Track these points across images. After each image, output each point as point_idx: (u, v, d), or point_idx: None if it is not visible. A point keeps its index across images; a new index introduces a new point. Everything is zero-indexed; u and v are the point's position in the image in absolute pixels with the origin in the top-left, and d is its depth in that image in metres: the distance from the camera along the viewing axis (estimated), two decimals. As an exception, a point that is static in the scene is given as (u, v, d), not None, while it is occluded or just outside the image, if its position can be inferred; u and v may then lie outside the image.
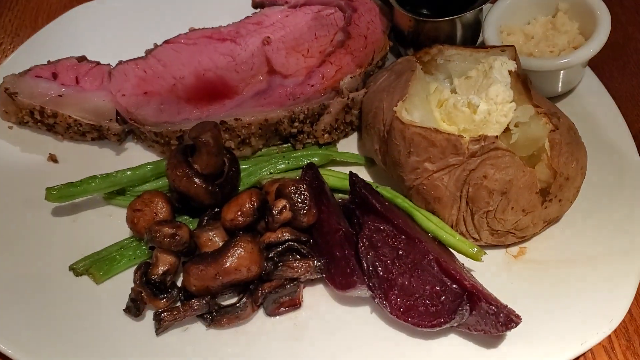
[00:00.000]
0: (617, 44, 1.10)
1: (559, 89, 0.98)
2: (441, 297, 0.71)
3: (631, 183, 0.86)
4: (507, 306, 0.69)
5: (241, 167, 0.87)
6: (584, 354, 0.76)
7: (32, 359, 0.71)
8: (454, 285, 0.71)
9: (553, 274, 0.79)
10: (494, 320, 0.68)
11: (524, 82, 0.84)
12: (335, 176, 0.86)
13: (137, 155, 0.93)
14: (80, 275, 0.79)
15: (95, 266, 0.78)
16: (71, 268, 0.79)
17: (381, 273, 0.73)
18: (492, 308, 0.68)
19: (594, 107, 0.97)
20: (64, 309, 0.76)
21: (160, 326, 0.73)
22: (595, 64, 1.02)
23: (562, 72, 0.93)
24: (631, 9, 1.15)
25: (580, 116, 0.93)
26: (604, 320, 0.73)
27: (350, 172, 0.82)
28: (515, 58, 0.86)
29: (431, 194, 0.79)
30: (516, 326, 0.68)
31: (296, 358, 0.73)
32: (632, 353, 0.76)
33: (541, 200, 0.78)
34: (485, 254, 0.77)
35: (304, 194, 0.78)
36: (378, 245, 0.75)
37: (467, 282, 0.70)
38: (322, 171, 0.86)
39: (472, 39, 1.01)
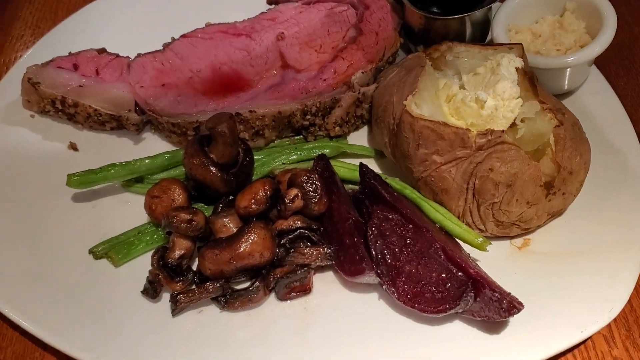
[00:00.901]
0: (623, 43, 1.12)
1: (566, 87, 1.00)
2: (447, 284, 0.73)
3: (633, 180, 0.89)
4: (510, 293, 0.72)
5: (255, 157, 0.90)
6: (584, 342, 0.78)
7: (53, 337, 0.74)
8: (459, 273, 0.73)
9: (555, 265, 0.81)
10: (497, 306, 0.70)
11: (531, 79, 0.87)
12: (345, 167, 0.89)
13: (155, 145, 0.96)
14: (100, 258, 0.82)
15: (114, 250, 0.81)
16: (91, 251, 0.82)
17: (389, 260, 0.76)
18: (495, 295, 0.71)
19: (599, 105, 0.99)
20: (84, 291, 0.79)
21: (176, 307, 0.76)
22: (602, 63, 1.04)
23: (568, 70, 0.96)
24: (638, 9, 1.17)
25: (585, 114, 0.95)
26: (603, 310, 0.75)
27: (361, 162, 0.85)
28: (522, 56, 0.89)
29: (439, 185, 0.82)
30: (518, 312, 0.70)
31: (306, 341, 0.75)
32: (632, 343, 0.79)
33: (545, 193, 0.80)
34: (490, 244, 0.79)
35: (315, 184, 0.81)
36: (386, 233, 0.78)
37: (472, 270, 0.72)
38: (333, 162, 0.89)
39: (481, 36, 1.04)
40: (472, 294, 0.72)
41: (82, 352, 0.72)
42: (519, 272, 0.81)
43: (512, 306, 0.70)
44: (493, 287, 0.71)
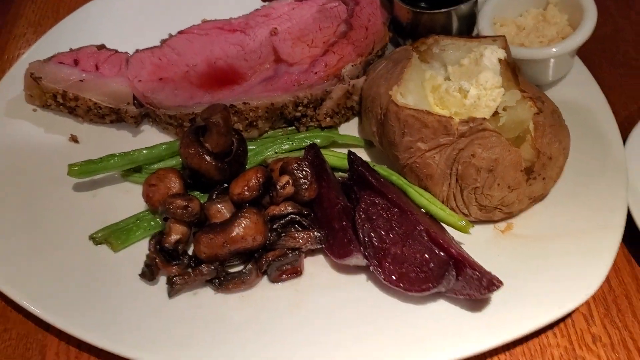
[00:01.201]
0: (607, 35, 1.15)
1: (550, 78, 1.03)
2: (430, 264, 0.77)
3: (613, 166, 0.91)
4: (490, 272, 0.75)
5: (249, 147, 0.94)
6: (564, 320, 0.82)
7: (54, 317, 0.77)
8: (442, 254, 0.77)
9: (537, 247, 0.84)
10: (477, 284, 0.74)
11: (513, 70, 0.90)
12: (335, 156, 0.93)
13: (153, 137, 0.99)
14: (100, 244, 0.85)
15: (113, 236, 0.85)
16: (91, 237, 0.85)
17: (376, 243, 0.79)
18: (475, 273, 0.74)
19: (582, 95, 1.02)
20: (85, 274, 0.82)
21: (173, 289, 0.79)
22: (585, 54, 1.07)
23: (551, 61, 0.99)
24: (620, 1, 1.20)
25: (568, 103, 0.98)
26: (582, 288, 0.78)
27: (349, 150, 0.89)
28: (505, 47, 0.92)
29: (423, 171, 0.85)
30: (497, 289, 0.73)
31: (297, 320, 0.79)
32: (610, 320, 0.82)
33: (526, 177, 0.83)
34: (473, 226, 0.83)
35: (305, 171, 0.85)
36: (373, 217, 0.81)
37: (453, 250, 0.76)
38: (323, 152, 0.92)
39: (468, 30, 1.07)
40: (454, 273, 0.75)
41: (82, 332, 0.76)
42: (502, 254, 0.84)
43: (492, 283, 0.73)
44: (474, 266, 0.75)
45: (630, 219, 0.87)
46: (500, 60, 0.90)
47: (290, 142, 0.95)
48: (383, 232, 0.80)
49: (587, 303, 0.83)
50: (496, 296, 0.77)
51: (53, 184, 0.92)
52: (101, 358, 0.78)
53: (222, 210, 0.84)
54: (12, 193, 0.90)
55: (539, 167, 0.84)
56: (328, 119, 0.99)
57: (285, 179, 0.84)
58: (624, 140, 0.96)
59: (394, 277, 0.77)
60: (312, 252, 0.85)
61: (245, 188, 0.84)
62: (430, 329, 0.77)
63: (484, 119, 0.82)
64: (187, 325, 0.78)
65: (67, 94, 0.97)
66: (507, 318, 0.76)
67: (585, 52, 1.06)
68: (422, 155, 0.85)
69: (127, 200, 0.91)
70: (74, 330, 0.77)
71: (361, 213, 0.81)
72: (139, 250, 0.84)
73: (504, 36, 0.93)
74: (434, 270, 0.76)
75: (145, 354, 0.74)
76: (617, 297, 0.84)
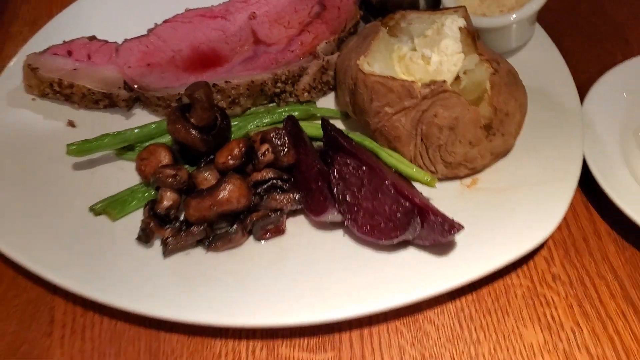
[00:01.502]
0: (568, 2, 1.22)
1: (512, 44, 1.10)
2: (397, 214, 0.84)
3: (570, 123, 0.98)
4: (452, 218, 0.82)
5: (232, 123, 1.01)
6: (527, 263, 0.89)
7: (63, 279, 0.84)
8: (407, 204, 0.84)
9: (499, 197, 0.91)
10: (440, 229, 0.81)
11: (472, 37, 0.97)
12: (312, 126, 1.00)
13: (144, 119, 1.06)
14: (99, 214, 0.93)
15: (111, 206, 0.92)
16: (91, 209, 0.93)
17: (349, 199, 0.87)
18: (438, 219, 0.81)
19: (542, 59, 1.09)
20: (88, 241, 0.89)
21: (167, 249, 0.87)
22: (548, 21, 1.14)
23: (511, 28, 1.06)
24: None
25: (529, 67, 1.05)
26: (540, 230, 0.85)
27: (322, 117, 0.96)
28: (466, 16, 0.99)
29: (392, 134, 0.92)
30: (458, 231, 0.81)
31: (281, 272, 0.86)
32: (568, 261, 0.90)
33: (485, 134, 0.91)
34: (438, 180, 0.90)
35: (283, 139, 0.92)
36: (346, 176, 0.88)
37: (417, 200, 0.83)
38: (301, 123, 0.99)
39: (434, 5, 1.14)
40: (419, 221, 0.82)
41: (88, 289, 0.83)
42: (467, 206, 0.91)
43: (453, 226, 0.81)
44: (436, 213, 0.82)
45: (587, 170, 0.94)
46: (460, 29, 0.97)
47: (271, 116, 1.03)
48: (355, 189, 0.87)
49: (547, 246, 0.91)
50: (461, 241, 0.85)
51: (54, 163, 0.99)
52: (104, 314, 0.86)
53: (208, 177, 0.92)
54: (17, 173, 0.98)
55: (497, 124, 0.91)
56: (306, 94, 1.07)
57: (265, 146, 0.92)
58: (583, 99, 1.03)
59: (366, 229, 0.85)
60: (293, 213, 0.92)
61: (229, 157, 0.91)
62: (401, 273, 0.84)
63: (444, 81, 0.89)
64: (181, 280, 0.85)
65: (63, 82, 1.05)
66: (471, 260, 0.84)
67: (547, 20, 1.13)
68: (389, 119, 0.92)
69: (122, 176, 0.98)
70: (76, 287, 0.84)
71: (335, 173, 0.89)
72: (136, 219, 0.91)
73: (464, 6, 1.00)
74: (401, 219, 0.83)
75: (143, 306, 0.81)
76: (575, 240, 0.92)
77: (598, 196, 0.94)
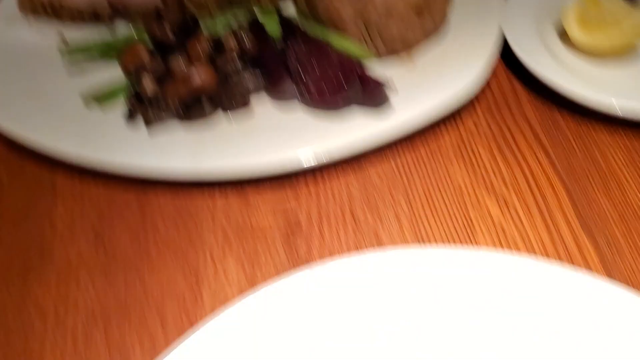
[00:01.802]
0: None
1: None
2: (341, 81, 1.00)
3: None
4: (387, 81, 0.99)
5: (204, 31, 1.17)
6: (454, 119, 1.05)
7: (54, 144, 1.00)
8: (350, 71, 1.00)
9: (430, 67, 1.07)
10: (378, 91, 0.98)
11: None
12: (273, 21, 1.15)
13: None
14: (90, 103, 1.09)
15: (101, 97, 1.08)
16: (82, 97, 1.09)
17: (302, 73, 1.03)
18: (376, 83, 0.98)
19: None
20: (82, 120, 1.05)
21: (150, 125, 1.03)
22: None
23: None
24: None
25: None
26: (464, 88, 1.01)
27: (277, 11, 1.12)
28: None
29: (336, 17, 1.08)
30: (392, 90, 0.97)
31: (250, 141, 1.01)
32: (491, 116, 1.06)
33: (416, 14, 1.06)
34: (372, 54, 1.07)
35: (246, 32, 1.08)
36: (299, 56, 1.04)
37: (358, 69, 0.99)
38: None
39: None
40: (361, 87, 0.99)
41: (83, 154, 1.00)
42: (404, 76, 1.06)
43: (387, 88, 0.97)
44: (375, 79, 0.99)
45: (508, 47, 1.10)
46: None
47: (237, 20, 1.18)
48: (307, 65, 1.03)
49: (472, 105, 1.07)
50: (397, 104, 1.01)
51: (50, 71, 1.15)
52: (97, 178, 1.02)
53: (181, 65, 1.07)
54: (15, 78, 1.13)
55: (425, 5, 1.07)
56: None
57: (229, 38, 1.08)
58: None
59: (317, 95, 1.01)
60: (257, 93, 1.08)
61: (199, 47, 1.07)
62: (348, 133, 1.00)
63: (378, -31, 1.05)
64: (165, 152, 1.01)
65: (53, 2, 1.21)
66: (406, 117, 0.99)
67: None
68: (334, 6, 1.08)
69: (111, 77, 1.14)
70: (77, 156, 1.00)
71: (290, 54, 1.05)
72: (122, 106, 1.08)
73: None
74: (345, 78, 0.99)
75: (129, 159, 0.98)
76: (496, 99, 1.08)
77: (518, 67, 1.10)
